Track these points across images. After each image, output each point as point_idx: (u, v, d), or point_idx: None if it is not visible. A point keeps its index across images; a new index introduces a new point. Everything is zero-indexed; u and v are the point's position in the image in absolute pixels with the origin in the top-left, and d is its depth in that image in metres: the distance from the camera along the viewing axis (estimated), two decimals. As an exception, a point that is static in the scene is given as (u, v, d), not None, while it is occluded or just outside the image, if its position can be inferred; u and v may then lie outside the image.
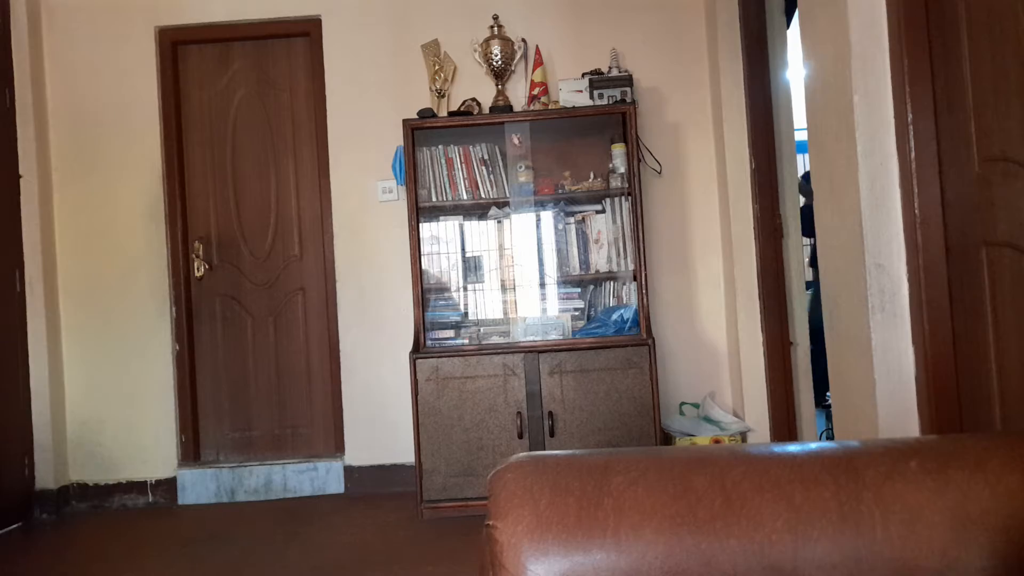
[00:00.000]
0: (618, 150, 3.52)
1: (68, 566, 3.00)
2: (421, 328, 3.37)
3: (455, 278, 3.65)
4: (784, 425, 3.40)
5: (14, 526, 3.47)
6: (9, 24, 3.66)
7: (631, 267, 3.50)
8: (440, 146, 3.57)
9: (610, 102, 3.48)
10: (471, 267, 3.64)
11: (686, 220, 3.79)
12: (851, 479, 0.85)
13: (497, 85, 3.63)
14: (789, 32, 3.54)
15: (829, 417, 3.92)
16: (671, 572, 0.80)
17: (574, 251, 3.59)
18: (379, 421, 3.76)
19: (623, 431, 3.23)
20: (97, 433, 3.75)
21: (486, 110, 3.60)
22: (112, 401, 3.76)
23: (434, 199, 3.58)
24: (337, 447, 3.82)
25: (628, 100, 3.47)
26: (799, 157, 3.57)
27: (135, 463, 3.75)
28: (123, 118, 3.82)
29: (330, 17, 3.84)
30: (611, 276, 3.57)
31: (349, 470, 3.75)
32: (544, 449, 3.22)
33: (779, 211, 3.46)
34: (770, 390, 3.45)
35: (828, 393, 3.44)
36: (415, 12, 3.84)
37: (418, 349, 3.33)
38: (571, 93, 3.53)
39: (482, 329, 3.56)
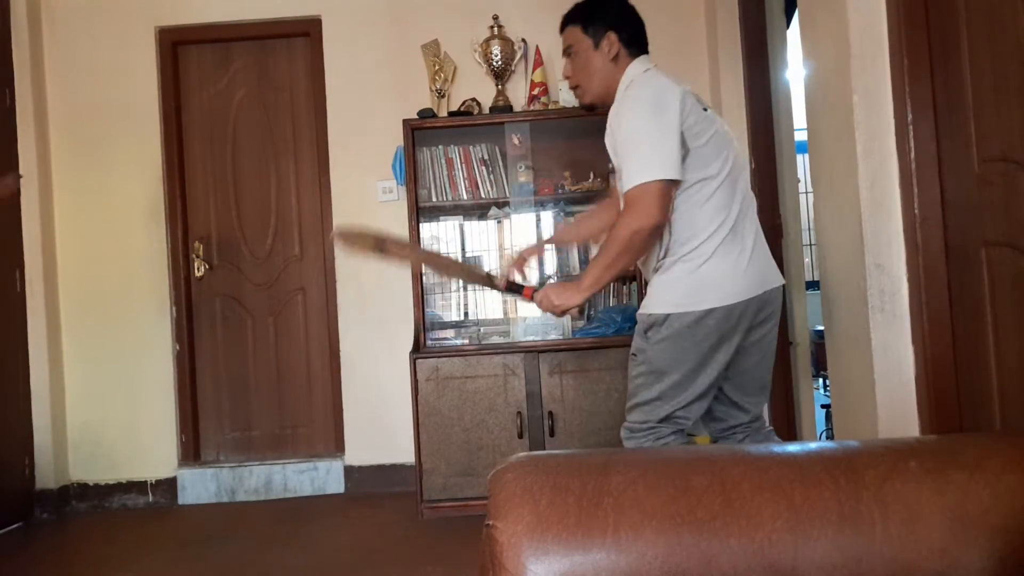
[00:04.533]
0: (618, 150, 3.51)
1: (68, 566, 3.01)
2: (421, 328, 3.38)
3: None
4: (784, 425, 3.40)
5: (15, 526, 3.47)
6: (9, 24, 3.65)
7: (631, 266, 3.49)
8: (440, 146, 3.58)
9: (610, 102, 3.48)
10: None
11: (686, 220, 3.78)
12: (851, 479, 0.85)
13: (497, 85, 3.63)
14: (789, 32, 3.53)
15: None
16: (671, 572, 0.80)
17: (574, 251, 3.59)
18: (379, 421, 3.76)
19: (623, 431, 3.22)
20: (97, 433, 3.75)
21: (486, 110, 3.60)
22: (112, 401, 3.76)
23: (434, 199, 3.58)
24: (337, 447, 3.82)
25: (628, 100, 3.46)
26: (799, 157, 3.57)
27: (135, 463, 3.75)
28: (124, 118, 3.81)
29: (330, 17, 3.84)
30: (611, 276, 3.57)
31: (349, 470, 3.75)
32: (544, 449, 3.22)
33: (779, 211, 3.45)
34: (769, 390, 3.44)
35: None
36: (415, 12, 3.83)
37: (418, 349, 3.33)
38: (571, 93, 3.52)
39: (482, 329, 3.56)
